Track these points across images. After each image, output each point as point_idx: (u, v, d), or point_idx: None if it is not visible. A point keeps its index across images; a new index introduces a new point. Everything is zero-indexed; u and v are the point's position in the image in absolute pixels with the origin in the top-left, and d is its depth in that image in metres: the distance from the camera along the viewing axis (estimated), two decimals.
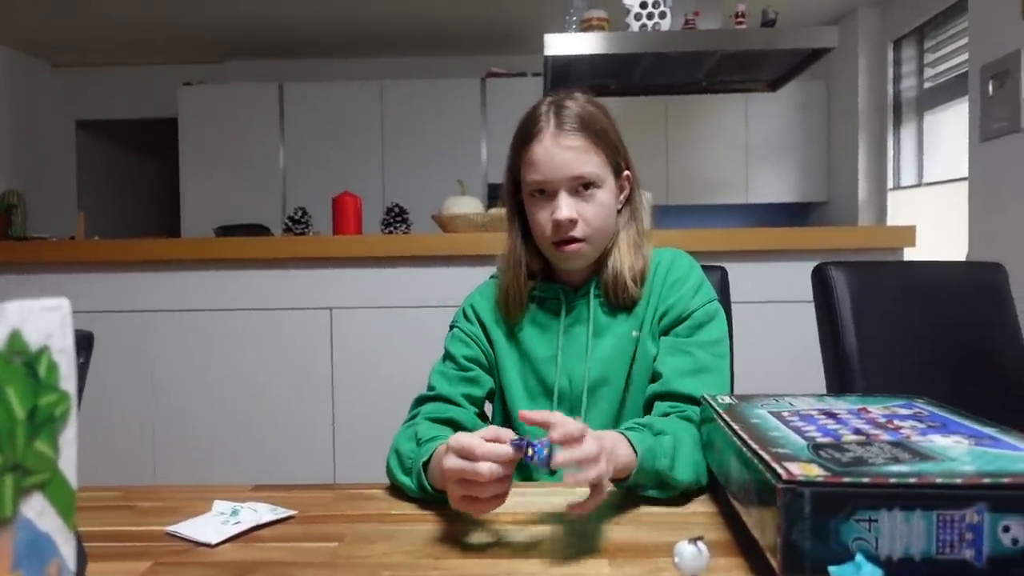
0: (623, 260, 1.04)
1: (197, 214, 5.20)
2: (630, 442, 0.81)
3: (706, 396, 0.89)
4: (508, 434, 0.72)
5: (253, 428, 2.29)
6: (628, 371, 1.04)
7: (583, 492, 0.72)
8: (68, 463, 0.37)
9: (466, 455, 0.71)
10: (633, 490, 0.84)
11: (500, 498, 0.73)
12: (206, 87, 5.37)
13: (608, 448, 0.73)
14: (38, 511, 0.35)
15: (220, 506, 0.83)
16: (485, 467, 0.69)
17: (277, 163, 5.30)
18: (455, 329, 1.13)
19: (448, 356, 1.10)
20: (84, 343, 0.70)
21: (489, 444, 0.70)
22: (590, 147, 1.01)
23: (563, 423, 0.69)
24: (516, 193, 1.09)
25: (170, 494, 0.91)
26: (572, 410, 1.04)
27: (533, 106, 1.05)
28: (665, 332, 1.04)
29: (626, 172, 1.08)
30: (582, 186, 1.01)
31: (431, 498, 0.85)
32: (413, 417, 1.02)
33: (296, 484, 0.95)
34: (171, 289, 2.28)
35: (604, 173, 1.03)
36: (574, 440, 0.68)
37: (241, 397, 2.29)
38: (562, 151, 1.00)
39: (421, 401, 1.05)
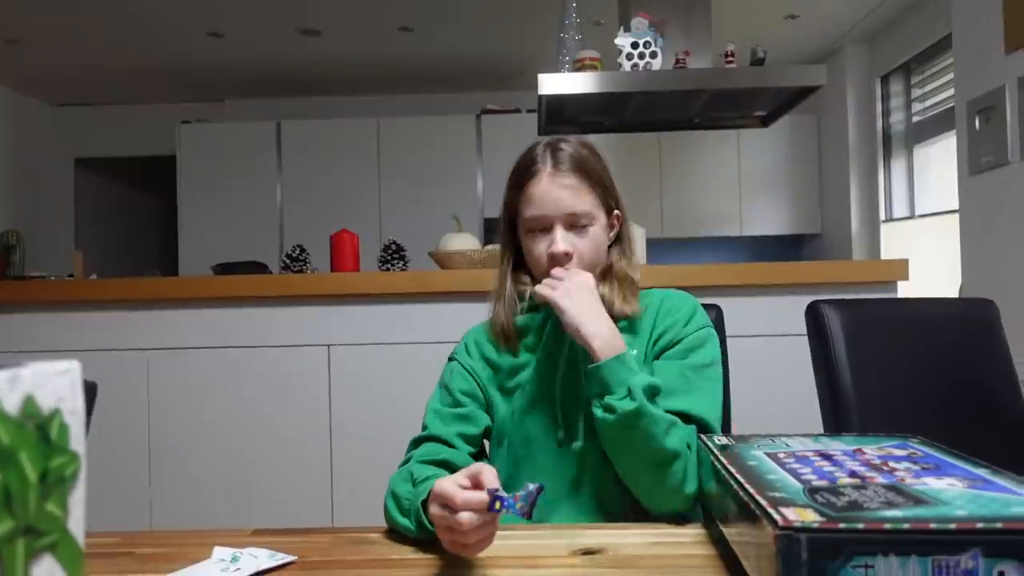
0: (616, 293, 1.08)
1: (195, 252, 5.22)
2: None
3: (702, 437, 0.90)
4: (490, 472, 0.74)
5: (250, 464, 2.27)
6: None
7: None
8: (77, 523, 0.37)
9: (447, 504, 0.73)
10: (621, 413, 0.92)
11: (487, 540, 0.75)
12: (204, 125, 5.42)
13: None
14: (48, 572, 0.35)
15: (220, 552, 0.83)
16: (465, 516, 0.72)
17: (275, 200, 5.33)
18: (454, 362, 1.15)
19: (445, 387, 1.12)
20: (89, 394, 0.70)
21: (466, 494, 0.73)
22: (584, 186, 1.07)
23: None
24: (510, 229, 1.13)
25: (170, 540, 0.91)
26: (568, 437, 1.05)
27: (529, 147, 1.12)
28: (658, 356, 1.07)
29: (616, 211, 1.13)
30: (577, 222, 1.06)
31: (432, 536, 0.85)
32: (407, 460, 1.03)
33: (295, 528, 0.95)
34: (169, 327, 2.29)
35: (597, 211, 1.08)
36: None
37: (239, 434, 2.28)
38: (559, 189, 1.06)
39: (416, 443, 1.07)
